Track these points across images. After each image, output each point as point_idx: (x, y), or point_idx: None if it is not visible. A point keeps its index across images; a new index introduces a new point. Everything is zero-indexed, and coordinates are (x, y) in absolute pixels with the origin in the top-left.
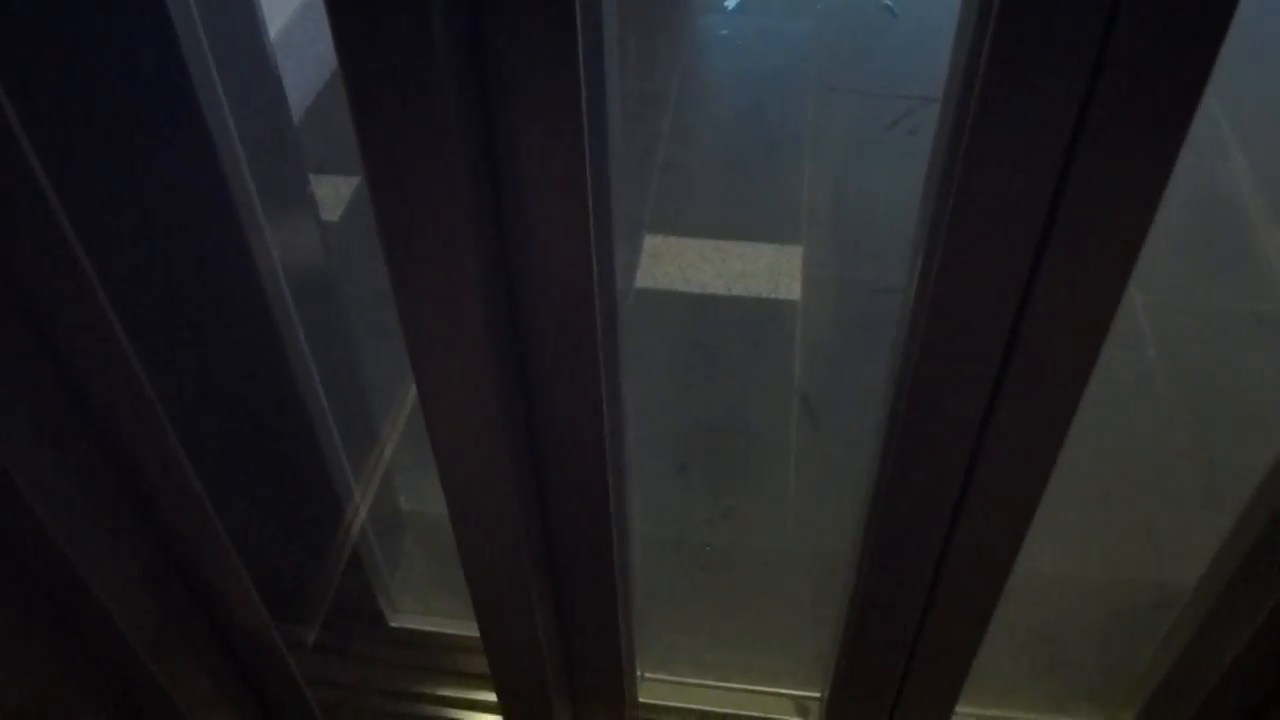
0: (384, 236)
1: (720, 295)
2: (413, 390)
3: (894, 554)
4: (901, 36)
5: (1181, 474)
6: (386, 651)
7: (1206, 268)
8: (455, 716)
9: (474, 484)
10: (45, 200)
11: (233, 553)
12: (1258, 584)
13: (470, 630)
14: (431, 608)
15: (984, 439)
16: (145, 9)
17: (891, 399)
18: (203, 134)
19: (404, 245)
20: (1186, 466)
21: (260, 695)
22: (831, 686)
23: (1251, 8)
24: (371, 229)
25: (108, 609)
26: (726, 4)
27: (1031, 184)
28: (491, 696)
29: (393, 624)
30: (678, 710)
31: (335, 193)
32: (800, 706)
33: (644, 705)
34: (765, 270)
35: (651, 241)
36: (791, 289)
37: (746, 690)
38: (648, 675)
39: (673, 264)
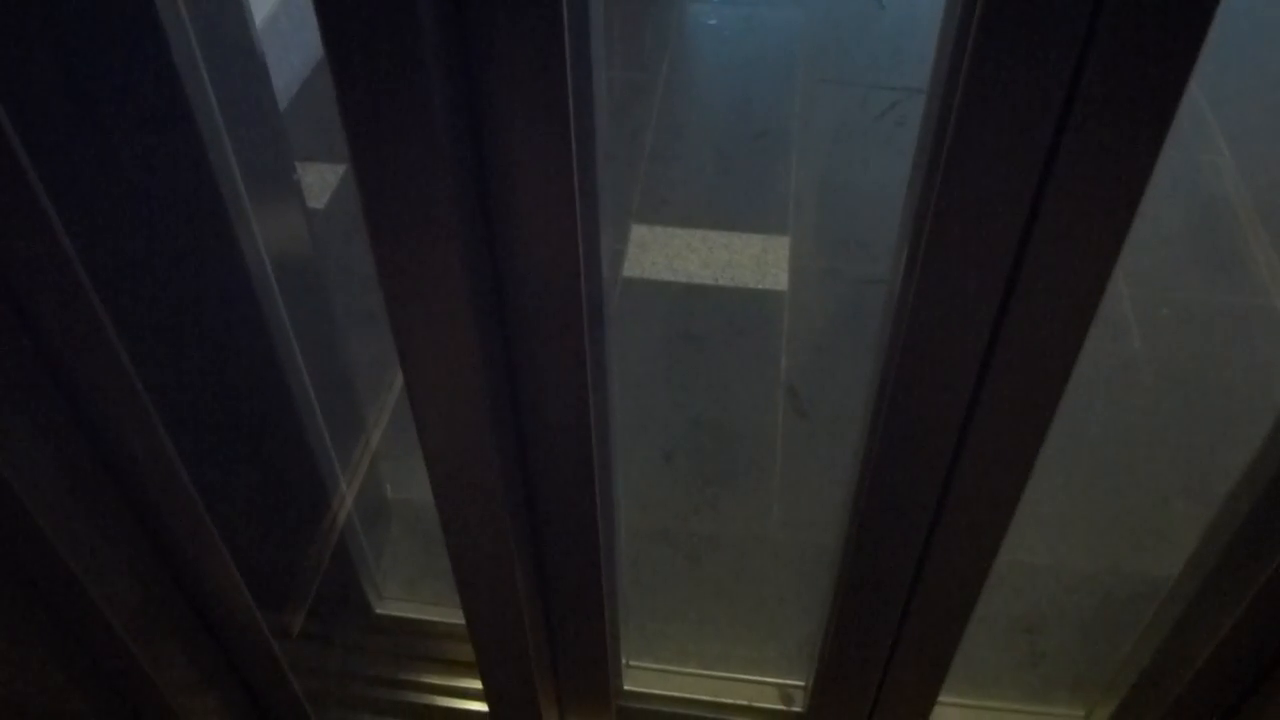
0: (370, 224)
1: (707, 285)
2: (399, 378)
3: (879, 543)
4: (889, 27)
5: (1164, 466)
6: (372, 639)
7: (1192, 261)
8: (440, 703)
9: (460, 472)
10: (30, 188)
11: (218, 540)
12: (1238, 575)
13: (456, 618)
14: (417, 595)
15: (969, 429)
16: None
17: (877, 389)
18: (188, 122)
19: (390, 233)
20: (1169, 458)
21: (246, 682)
22: (816, 675)
23: (1240, 0)
24: (358, 216)
25: (93, 596)
26: None
27: (1016, 175)
28: (476, 683)
29: (378, 611)
30: (662, 698)
31: (321, 180)
32: (785, 694)
33: (629, 693)
34: (752, 260)
35: (638, 231)
36: (779, 279)
37: (731, 678)
38: (633, 663)
39: (660, 254)
